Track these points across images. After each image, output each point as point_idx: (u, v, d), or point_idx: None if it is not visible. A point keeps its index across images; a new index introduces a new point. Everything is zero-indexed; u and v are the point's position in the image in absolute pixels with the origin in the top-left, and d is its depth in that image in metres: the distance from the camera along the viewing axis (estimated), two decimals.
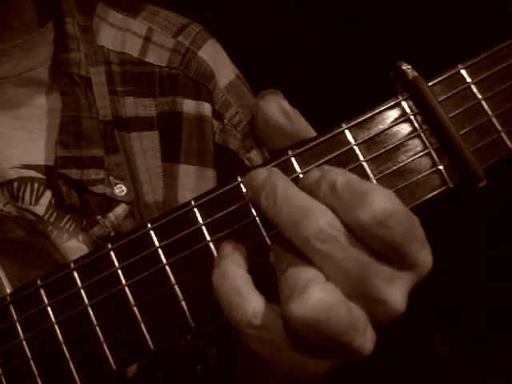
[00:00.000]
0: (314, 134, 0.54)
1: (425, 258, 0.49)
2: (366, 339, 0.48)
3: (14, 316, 0.56)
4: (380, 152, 0.52)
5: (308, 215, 0.48)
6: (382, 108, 0.53)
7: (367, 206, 0.46)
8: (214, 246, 0.53)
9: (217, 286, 0.50)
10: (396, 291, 0.48)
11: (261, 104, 0.53)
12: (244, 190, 0.53)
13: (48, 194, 0.81)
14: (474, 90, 0.52)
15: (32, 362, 0.56)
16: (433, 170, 0.52)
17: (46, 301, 0.56)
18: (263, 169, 0.52)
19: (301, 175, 0.52)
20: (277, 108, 0.52)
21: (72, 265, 0.55)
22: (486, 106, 0.52)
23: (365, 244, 0.47)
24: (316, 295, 0.46)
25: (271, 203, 0.49)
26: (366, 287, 0.48)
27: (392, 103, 0.53)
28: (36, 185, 0.81)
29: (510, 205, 2.20)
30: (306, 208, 0.48)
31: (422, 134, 0.52)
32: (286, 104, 0.52)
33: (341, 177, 0.49)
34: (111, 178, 0.83)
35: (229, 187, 0.54)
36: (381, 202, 0.46)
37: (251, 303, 0.49)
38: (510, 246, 2.31)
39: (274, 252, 0.51)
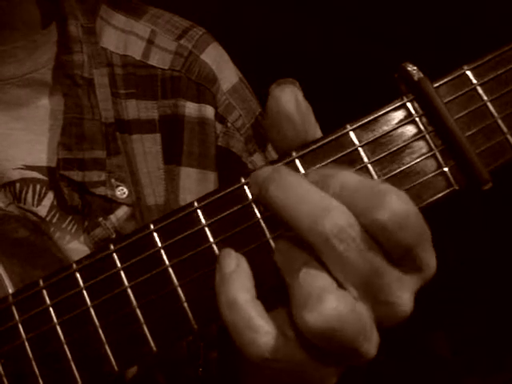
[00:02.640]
0: (320, 134, 0.53)
1: (430, 261, 0.50)
2: (372, 343, 0.48)
3: (16, 316, 0.56)
4: (385, 154, 0.52)
5: (327, 212, 0.47)
6: (387, 109, 0.53)
7: (385, 206, 0.46)
8: (217, 247, 0.53)
9: (226, 317, 0.49)
10: (404, 294, 0.48)
11: (275, 91, 0.52)
12: (248, 191, 0.53)
13: (50, 196, 0.81)
14: (480, 91, 0.52)
15: (34, 363, 0.55)
16: (438, 171, 0.52)
17: (48, 301, 0.55)
18: (268, 166, 0.52)
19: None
20: (292, 98, 0.51)
21: (74, 265, 0.55)
22: (491, 108, 0.52)
23: (379, 245, 0.47)
24: (331, 305, 0.46)
25: (282, 198, 0.48)
26: (375, 289, 0.48)
27: (397, 104, 0.53)
28: (38, 186, 0.81)
29: (510, 205, 2.20)
30: (325, 205, 0.47)
31: (427, 136, 0.52)
32: (301, 97, 0.51)
33: (351, 177, 0.49)
34: (113, 180, 0.83)
35: (232, 188, 0.54)
36: (398, 203, 0.46)
37: (264, 338, 0.48)
38: (511, 247, 2.31)
39: (279, 253, 0.51)
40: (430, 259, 0.49)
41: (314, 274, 0.48)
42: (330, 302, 0.46)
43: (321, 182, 0.49)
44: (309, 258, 0.49)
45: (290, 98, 0.51)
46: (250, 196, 0.53)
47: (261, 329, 0.49)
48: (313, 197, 0.48)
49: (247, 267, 0.51)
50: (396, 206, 0.46)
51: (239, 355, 0.51)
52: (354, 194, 0.48)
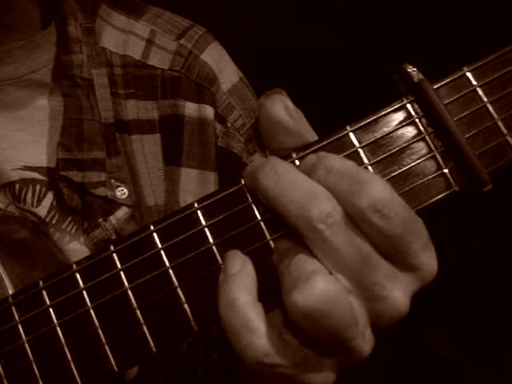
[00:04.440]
0: (315, 137, 0.54)
1: (428, 261, 0.49)
2: (365, 340, 0.49)
3: (16, 317, 0.56)
4: (385, 155, 0.52)
5: (314, 198, 0.48)
6: (387, 111, 0.53)
7: (365, 193, 0.47)
8: (217, 249, 0.53)
9: (224, 316, 0.49)
10: (397, 290, 0.48)
11: (265, 102, 0.53)
12: (247, 192, 0.53)
13: (50, 196, 0.81)
14: (480, 93, 0.52)
15: (34, 364, 0.55)
16: (438, 173, 0.52)
17: (48, 302, 0.55)
18: (261, 158, 0.52)
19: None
20: (281, 106, 0.52)
21: (74, 266, 0.55)
22: (491, 110, 0.52)
23: (364, 233, 0.48)
24: (320, 285, 0.46)
25: (273, 185, 0.49)
26: (366, 279, 0.48)
27: (397, 106, 0.53)
28: (38, 187, 0.81)
29: (510, 205, 2.20)
30: (312, 191, 0.48)
31: (426, 137, 0.52)
32: (289, 103, 0.52)
33: (337, 162, 0.49)
34: (112, 180, 0.82)
35: (232, 190, 0.54)
36: (379, 190, 0.47)
37: (261, 340, 0.48)
38: (511, 246, 2.31)
39: (277, 252, 0.51)
40: (426, 258, 0.49)
41: (304, 259, 0.48)
42: (319, 283, 0.46)
43: (309, 168, 0.50)
44: (301, 250, 0.49)
45: (279, 106, 0.52)
46: (250, 197, 0.53)
47: (259, 331, 0.49)
48: (300, 183, 0.49)
49: (252, 269, 0.51)
50: (375, 193, 0.47)
51: (239, 357, 0.51)
52: (339, 180, 0.48)
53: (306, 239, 0.48)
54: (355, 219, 0.48)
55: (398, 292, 0.48)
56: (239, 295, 0.49)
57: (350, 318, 0.47)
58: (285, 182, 0.49)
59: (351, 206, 0.48)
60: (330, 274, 0.48)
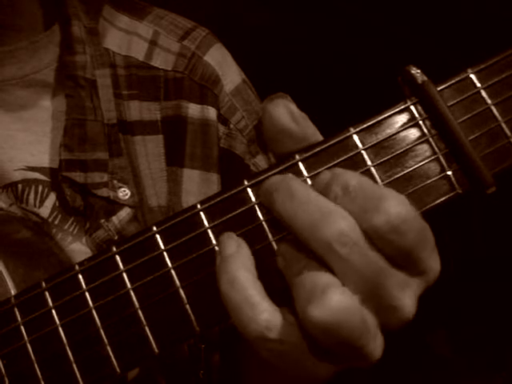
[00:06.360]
0: (321, 138, 0.53)
1: (434, 264, 0.50)
2: (376, 345, 0.49)
3: (19, 318, 0.56)
4: (388, 157, 0.52)
5: (329, 218, 0.47)
6: (391, 112, 0.53)
7: (382, 210, 0.47)
8: None
9: (226, 295, 0.50)
10: (407, 297, 0.49)
11: (268, 106, 0.52)
12: (251, 193, 0.53)
13: (52, 197, 0.81)
14: (484, 95, 0.52)
15: (36, 365, 0.55)
16: (441, 175, 0.52)
17: (50, 303, 0.55)
18: (277, 175, 0.52)
19: (308, 180, 0.52)
20: (284, 111, 0.52)
21: (77, 267, 0.55)
22: (495, 112, 0.52)
23: (379, 249, 0.47)
24: (336, 299, 0.46)
25: (287, 204, 0.49)
26: (379, 292, 0.48)
27: (401, 107, 0.53)
28: (40, 187, 0.81)
29: (510, 205, 2.20)
30: (326, 210, 0.48)
31: (430, 139, 0.52)
32: (294, 107, 0.52)
33: (354, 179, 0.49)
34: (115, 181, 0.82)
35: (235, 191, 0.54)
36: (395, 207, 0.47)
37: (263, 315, 0.49)
38: (511, 246, 2.31)
39: (282, 256, 0.51)
40: (433, 262, 0.49)
41: (317, 271, 0.48)
42: (335, 296, 0.46)
43: (324, 185, 0.50)
44: (311, 259, 0.49)
45: (283, 111, 0.52)
46: (253, 198, 0.53)
47: (260, 306, 0.49)
48: (315, 202, 0.49)
49: (248, 249, 0.52)
50: (392, 211, 0.47)
51: (241, 357, 0.51)
52: (355, 198, 0.48)
53: (321, 257, 0.48)
54: (370, 235, 0.47)
55: (408, 299, 0.49)
56: (239, 273, 0.50)
57: (363, 327, 0.47)
58: (299, 200, 0.49)
59: (366, 223, 0.47)
60: (343, 284, 0.48)
